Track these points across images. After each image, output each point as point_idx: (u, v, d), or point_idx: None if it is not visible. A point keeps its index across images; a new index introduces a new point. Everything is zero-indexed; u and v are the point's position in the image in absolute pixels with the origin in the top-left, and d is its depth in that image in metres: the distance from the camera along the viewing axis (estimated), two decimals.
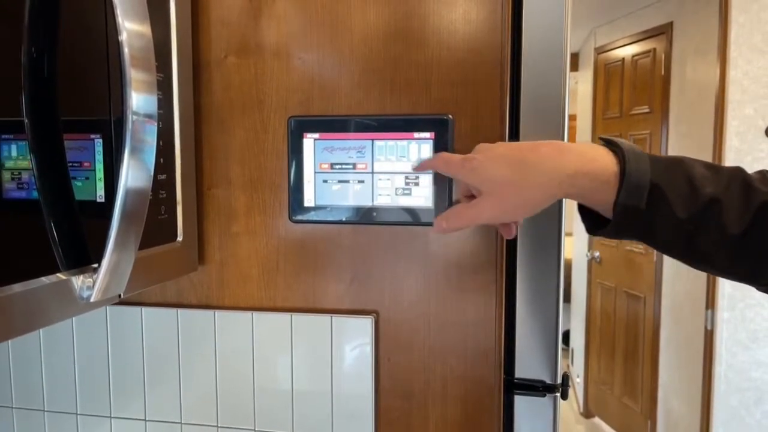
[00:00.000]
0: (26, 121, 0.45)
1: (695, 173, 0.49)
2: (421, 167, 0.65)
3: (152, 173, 0.50)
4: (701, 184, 0.49)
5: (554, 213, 0.67)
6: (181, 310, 0.77)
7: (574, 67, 3.77)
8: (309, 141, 0.69)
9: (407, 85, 0.69)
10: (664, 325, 2.77)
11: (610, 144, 0.52)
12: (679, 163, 0.51)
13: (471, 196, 0.59)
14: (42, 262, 0.46)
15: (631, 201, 0.49)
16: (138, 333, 0.78)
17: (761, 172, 0.51)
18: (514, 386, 0.71)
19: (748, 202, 0.48)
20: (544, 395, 0.70)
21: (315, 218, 0.70)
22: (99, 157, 0.53)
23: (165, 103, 0.64)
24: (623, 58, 3.05)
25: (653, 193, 0.49)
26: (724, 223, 0.48)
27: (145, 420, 0.79)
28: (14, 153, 0.45)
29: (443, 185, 0.67)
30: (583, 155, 0.51)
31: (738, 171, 0.50)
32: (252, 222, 0.74)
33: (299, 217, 0.71)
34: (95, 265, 0.49)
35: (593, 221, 0.54)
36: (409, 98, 0.69)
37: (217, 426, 0.77)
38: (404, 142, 0.67)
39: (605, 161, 0.50)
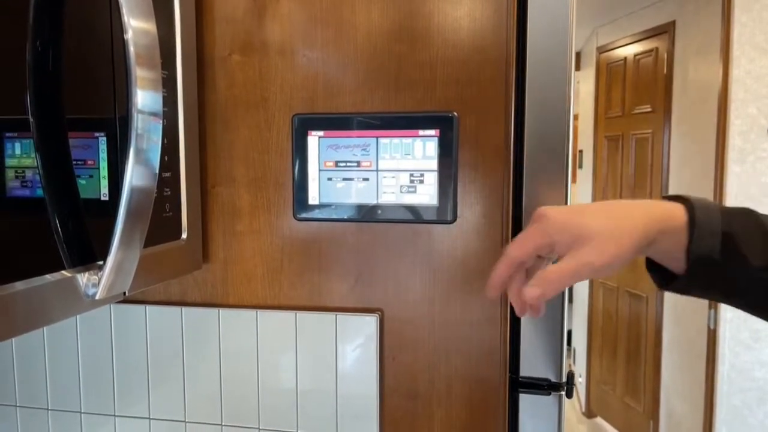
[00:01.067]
0: (31, 119, 0.45)
1: (764, 220, 0.49)
2: (494, 282, 0.55)
3: (157, 171, 0.50)
4: None
5: None
6: (185, 309, 0.77)
7: (577, 66, 3.76)
8: (313, 139, 0.69)
9: (412, 83, 0.69)
10: (667, 324, 2.77)
11: (677, 198, 0.52)
12: (750, 213, 0.50)
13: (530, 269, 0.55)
14: (47, 259, 0.46)
15: (703, 249, 0.48)
16: (142, 331, 0.78)
17: None
18: (518, 385, 0.71)
19: None
20: (549, 394, 0.70)
21: (319, 216, 0.70)
22: (103, 155, 0.53)
23: (169, 101, 0.64)
24: (625, 58, 3.05)
25: (726, 243, 0.48)
26: None
27: (149, 418, 0.79)
28: (18, 151, 0.45)
29: (448, 183, 0.67)
30: (656, 206, 0.50)
31: None
32: (256, 220, 0.74)
33: (304, 215, 0.71)
34: (100, 263, 0.49)
35: (662, 277, 0.53)
36: (414, 96, 0.69)
37: (221, 424, 0.77)
38: (409, 140, 0.67)
39: (676, 211, 0.50)
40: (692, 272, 0.49)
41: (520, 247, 0.53)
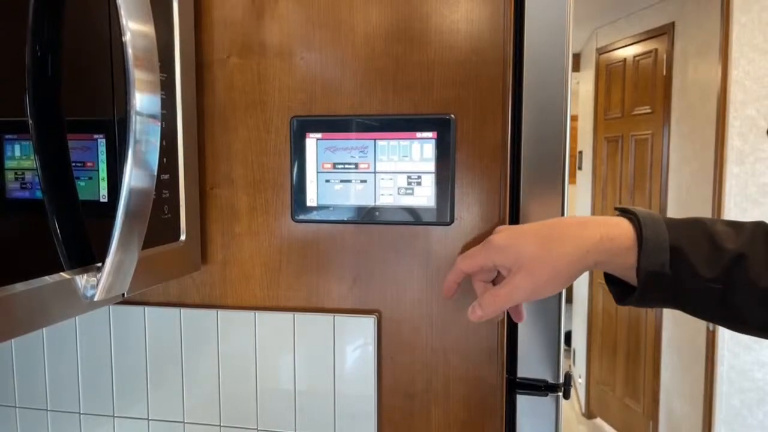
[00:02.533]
0: (30, 121, 0.45)
1: (715, 230, 0.49)
2: (448, 285, 0.63)
3: (155, 173, 0.50)
4: (723, 241, 0.48)
5: (556, 213, 0.67)
6: (183, 310, 0.77)
7: (576, 67, 3.77)
8: (311, 141, 0.70)
9: (409, 85, 0.69)
10: (666, 325, 2.77)
11: (625, 212, 0.52)
12: (697, 223, 0.50)
13: (491, 283, 0.60)
14: (45, 261, 0.47)
15: (653, 266, 0.48)
16: (141, 332, 0.78)
17: None
18: (516, 385, 0.71)
19: None
20: (547, 395, 0.70)
21: (317, 218, 0.71)
22: (102, 157, 0.53)
23: (168, 103, 0.64)
24: (625, 59, 3.05)
25: (675, 256, 0.48)
26: (752, 278, 0.47)
27: (148, 419, 0.79)
28: (18, 153, 0.45)
29: (446, 184, 0.67)
30: (603, 224, 0.51)
31: (761, 224, 0.50)
32: (255, 222, 0.74)
33: (302, 217, 0.71)
34: (99, 265, 0.50)
35: (621, 291, 0.54)
36: (412, 98, 0.69)
37: (220, 425, 0.78)
38: (406, 142, 0.67)
39: (624, 228, 0.50)
40: (644, 288, 0.50)
41: (466, 264, 0.59)
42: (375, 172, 0.68)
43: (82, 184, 0.51)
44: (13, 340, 0.82)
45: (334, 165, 0.69)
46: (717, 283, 0.48)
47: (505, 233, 0.56)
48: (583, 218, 0.53)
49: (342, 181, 0.69)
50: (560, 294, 0.69)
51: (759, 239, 0.48)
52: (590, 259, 0.51)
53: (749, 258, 0.47)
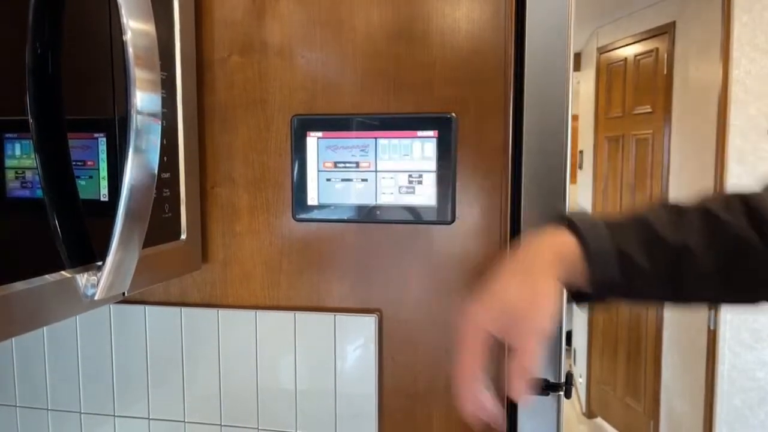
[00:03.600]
0: (31, 120, 0.45)
1: (657, 225, 0.49)
2: (468, 403, 0.51)
3: (156, 172, 0.50)
4: (665, 235, 0.48)
5: (557, 213, 0.67)
6: (184, 309, 0.77)
7: (577, 66, 3.76)
8: (312, 140, 0.69)
9: (410, 84, 0.69)
10: (667, 325, 2.77)
11: (562, 221, 0.51)
12: (638, 220, 0.50)
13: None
14: (46, 260, 0.47)
15: (603, 276, 0.48)
16: (141, 331, 0.78)
17: (725, 198, 0.49)
18: None
19: (717, 240, 0.47)
20: (548, 394, 0.70)
21: (318, 217, 0.70)
22: (103, 155, 0.53)
23: (169, 102, 0.64)
24: (625, 58, 3.05)
25: (623, 261, 0.48)
26: (700, 266, 0.48)
27: (148, 419, 0.79)
28: (19, 152, 0.45)
29: (447, 183, 0.67)
30: (549, 247, 0.50)
31: (702, 207, 0.49)
32: (255, 221, 0.74)
33: (302, 216, 0.71)
34: (99, 263, 0.49)
35: (577, 293, 0.53)
36: (413, 97, 0.69)
37: (221, 425, 0.77)
38: (408, 141, 0.67)
39: (568, 245, 0.49)
40: (599, 296, 0.50)
41: (470, 364, 0.50)
42: (376, 171, 0.68)
43: (83, 182, 0.51)
44: (13, 339, 0.82)
45: (335, 164, 0.69)
46: (667, 276, 0.48)
47: (479, 306, 0.51)
48: (534, 240, 0.52)
49: (343, 179, 0.69)
50: (561, 294, 0.69)
51: (700, 226, 0.48)
52: (561, 272, 0.49)
53: (692, 248, 0.48)
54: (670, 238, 0.48)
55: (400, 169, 0.67)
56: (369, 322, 0.72)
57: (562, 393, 0.69)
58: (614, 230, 0.50)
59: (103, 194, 0.53)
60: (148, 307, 0.78)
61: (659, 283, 0.49)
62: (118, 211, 0.47)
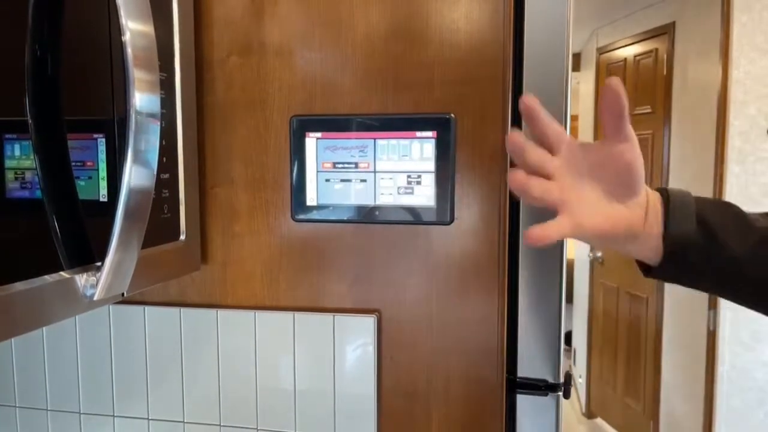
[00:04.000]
0: (30, 121, 0.45)
1: (744, 212, 0.50)
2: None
3: (155, 172, 0.50)
4: (752, 221, 0.49)
5: (556, 212, 0.67)
6: (183, 309, 0.77)
7: (576, 67, 3.76)
8: (311, 140, 0.69)
9: (409, 85, 0.69)
10: (667, 325, 2.77)
11: (658, 190, 0.52)
12: (727, 204, 0.51)
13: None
14: (45, 260, 0.47)
15: (679, 232, 0.48)
16: (141, 332, 0.78)
17: None
18: (516, 385, 0.71)
19: None
20: (547, 394, 0.70)
21: (317, 217, 0.70)
22: (102, 156, 0.53)
23: (168, 102, 0.64)
24: (625, 59, 3.05)
25: (703, 227, 0.48)
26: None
27: (148, 419, 0.79)
28: (18, 152, 0.45)
29: (446, 184, 0.67)
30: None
31: None
32: (254, 221, 0.74)
33: (302, 217, 0.71)
34: (98, 264, 0.50)
35: (647, 266, 0.53)
36: (412, 97, 0.69)
37: (220, 425, 0.78)
38: (406, 141, 0.67)
39: (652, 198, 0.50)
40: (670, 256, 0.49)
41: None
42: (375, 172, 0.68)
43: (82, 183, 0.51)
44: (13, 340, 0.82)
45: (334, 164, 0.69)
46: (744, 258, 0.48)
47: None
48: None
49: (342, 180, 0.69)
50: (560, 294, 0.69)
51: None
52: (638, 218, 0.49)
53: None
54: (756, 224, 0.49)
55: (399, 170, 0.68)
56: (368, 323, 0.72)
57: (561, 393, 0.70)
58: (700, 200, 0.50)
59: (103, 195, 0.53)
60: (147, 308, 0.78)
61: (735, 263, 0.48)
62: (118, 212, 0.47)
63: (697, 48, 2.46)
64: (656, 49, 2.78)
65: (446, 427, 0.73)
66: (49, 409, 0.82)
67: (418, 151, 0.67)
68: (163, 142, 0.63)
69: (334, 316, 0.73)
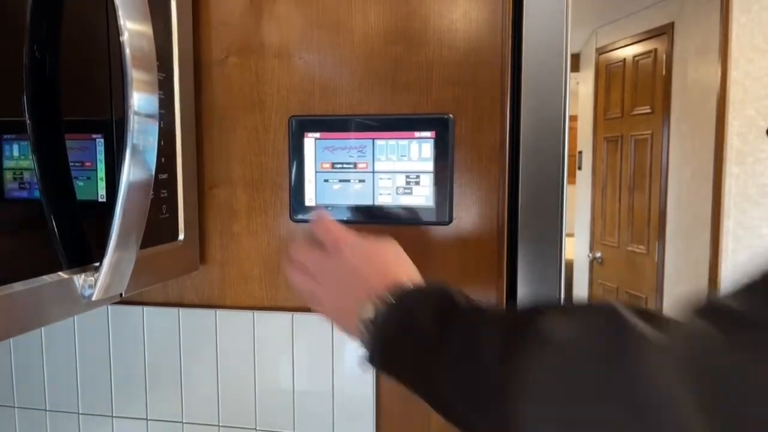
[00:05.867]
0: (28, 121, 0.45)
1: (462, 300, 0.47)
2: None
3: (153, 173, 0.50)
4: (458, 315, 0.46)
5: (554, 213, 0.67)
6: (182, 310, 0.77)
7: (576, 67, 3.77)
8: (310, 141, 0.70)
9: (408, 85, 0.69)
10: None
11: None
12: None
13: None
14: (44, 261, 0.47)
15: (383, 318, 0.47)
16: (139, 332, 0.78)
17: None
18: None
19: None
20: None
21: None
22: (101, 156, 0.53)
23: (166, 103, 0.64)
24: (624, 59, 3.05)
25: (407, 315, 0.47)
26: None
27: (146, 419, 0.79)
28: (16, 153, 0.45)
29: (444, 184, 0.67)
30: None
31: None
32: (253, 221, 0.74)
33: (300, 217, 0.71)
34: (97, 264, 0.50)
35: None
36: (410, 98, 0.69)
37: (219, 425, 0.77)
38: (405, 142, 0.67)
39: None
40: (375, 346, 0.48)
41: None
42: (373, 172, 0.68)
43: (81, 183, 0.51)
44: (11, 340, 0.82)
45: (333, 165, 0.69)
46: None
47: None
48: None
49: (340, 180, 0.69)
50: (559, 295, 0.69)
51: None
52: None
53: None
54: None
55: (397, 170, 0.68)
56: None
57: None
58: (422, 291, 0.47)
59: (101, 195, 0.53)
60: (145, 308, 0.78)
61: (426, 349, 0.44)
62: (116, 212, 0.47)
63: (696, 48, 2.46)
64: (655, 50, 2.78)
65: (446, 428, 0.73)
66: (47, 409, 0.82)
67: (417, 152, 0.67)
68: (162, 143, 0.63)
69: None
